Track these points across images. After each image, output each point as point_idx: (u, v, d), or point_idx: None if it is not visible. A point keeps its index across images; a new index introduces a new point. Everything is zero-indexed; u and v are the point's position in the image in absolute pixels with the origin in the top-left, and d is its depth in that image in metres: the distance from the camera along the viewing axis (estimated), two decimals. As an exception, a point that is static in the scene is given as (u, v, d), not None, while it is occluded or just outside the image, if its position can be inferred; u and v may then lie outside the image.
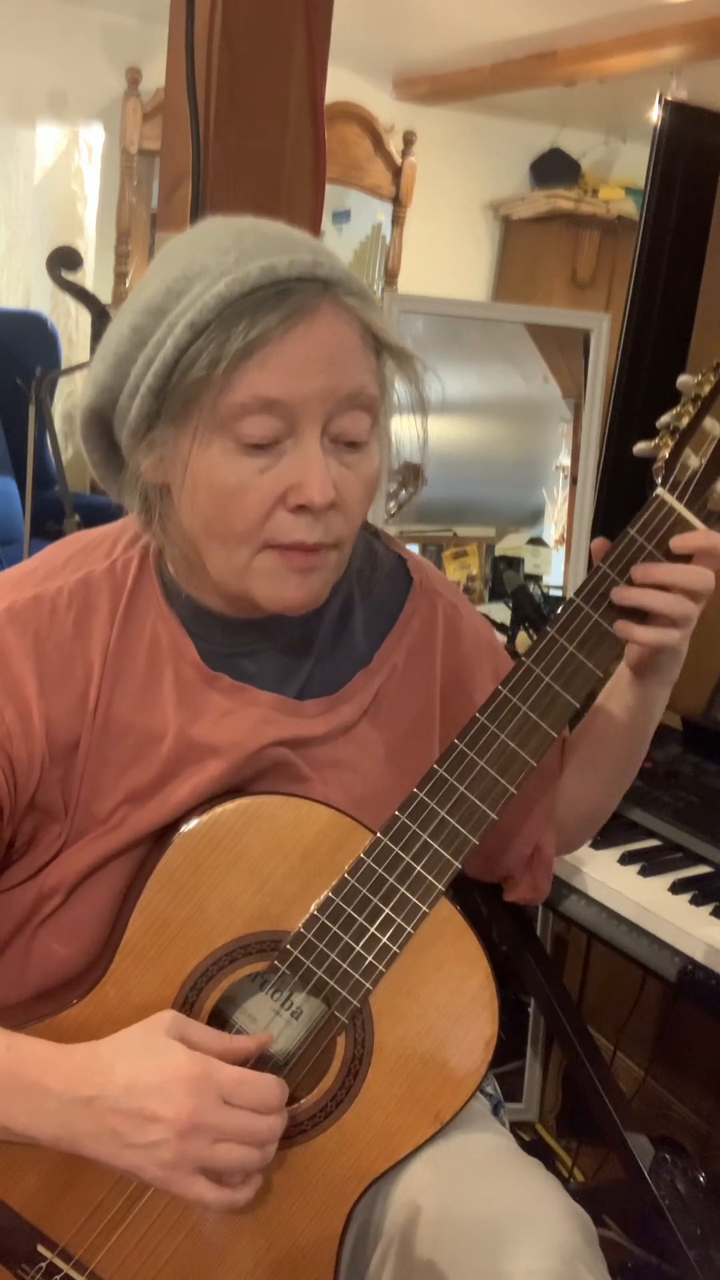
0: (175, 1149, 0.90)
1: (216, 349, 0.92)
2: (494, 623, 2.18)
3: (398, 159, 4.75)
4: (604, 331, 2.40)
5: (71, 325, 4.28)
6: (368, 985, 1.01)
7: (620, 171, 5.02)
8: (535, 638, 1.06)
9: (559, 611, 1.05)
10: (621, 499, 2.19)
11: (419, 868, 1.01)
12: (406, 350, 1.02)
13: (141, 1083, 0.91)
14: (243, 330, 0.92)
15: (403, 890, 1.01)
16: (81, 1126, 0.92)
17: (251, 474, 0.96)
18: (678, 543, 1.04)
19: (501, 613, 2.41)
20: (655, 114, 2.12)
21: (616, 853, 1.54)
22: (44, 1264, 1.01)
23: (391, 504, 2.03)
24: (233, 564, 1.00)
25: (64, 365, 3.95)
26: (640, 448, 1.09)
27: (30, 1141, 0.94)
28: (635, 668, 1.15)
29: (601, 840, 1.54)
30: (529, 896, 1.26)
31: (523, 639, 2.28)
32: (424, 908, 1.01)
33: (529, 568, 2.55)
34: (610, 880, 1.48)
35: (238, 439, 0.95)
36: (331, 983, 1.01)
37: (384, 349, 1.00)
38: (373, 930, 1.01)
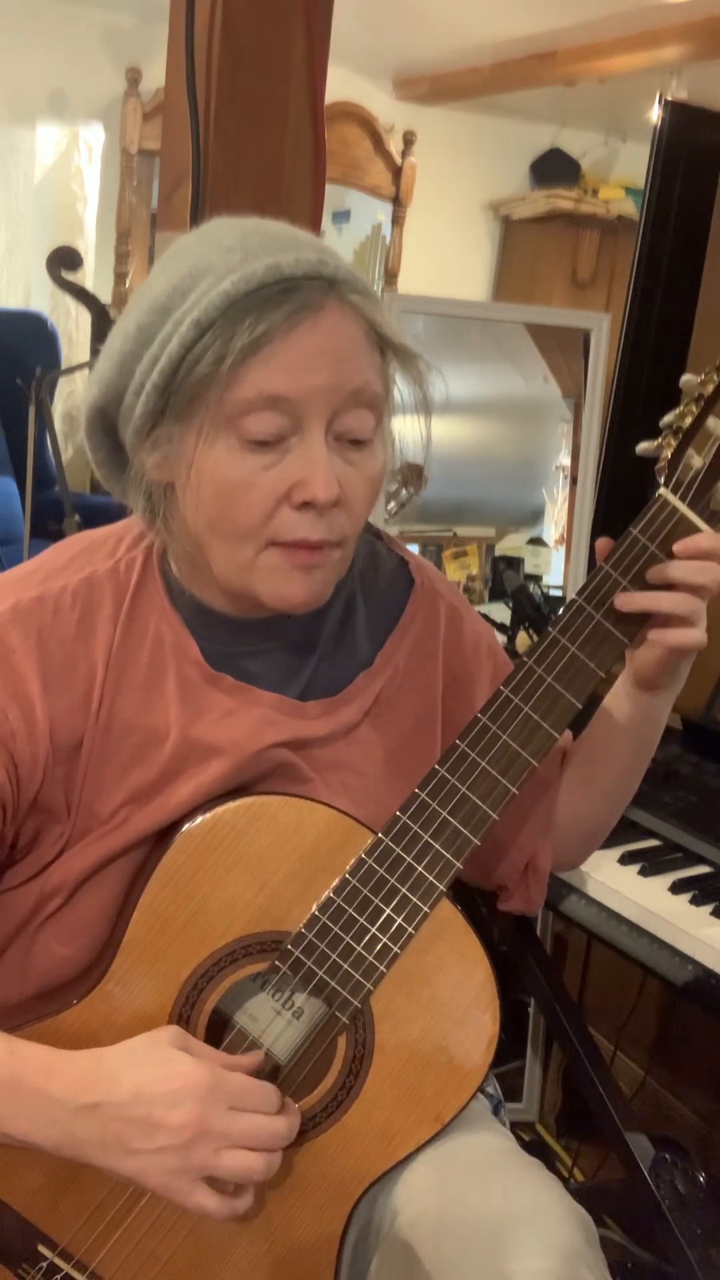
0: (181, 1155, 0.90)
1: (222, 346, 0.93)
2: (494, 623, 2.18)
3: (398, 159, 4.75)
4: (604, 331, 2.40)
5: (71, 325, 4.28)
6: (369, 986, 1.01)
7: (620, 171, 5.02)
8: (536, 638, 1.06)
9: (561, 612, 1.05)
10: (621, 499, 2.19)
11: (420, 868, 1.01)
12: (410, 349, 1.02)
13: (149, 1090, 0.91)
14: (248, 327, 0.92)
15: (404, 890, 1.01)
16: (86, 1133, 0.92)
17: (256, 471, 0.96)
18: (681, 547, 1.04)
19: (501, 613, 2.41)
20: (655, 114, 2.12)
21: (616, 853, 1.54)
22: (44, 1264, 1.01)
23: (392, 504, 2.03)
24: (237, 562, 1.00)
25: (64, 365, 3.95)
26: (643, 447, 1.08)
27: (33, 1148, 0.94)
28: (641, 679, 1.14)
29: (602, 840, 1.54)
30: (522, 908, 1.25)
31: (523, 639, 2.28)
32: (425, 908, 1.01)
33: (529, 568, 2.54)
34: (610, 880, 1.48)
35: (242, 436, 0.95)
36: (332, 983, 1.01)
37: (388, 348, 1.00)
38: (374, 930, 1.01)
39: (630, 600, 1.04)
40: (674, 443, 1.06)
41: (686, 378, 1.07)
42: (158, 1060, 0.93)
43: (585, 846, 1.30)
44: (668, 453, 1.06)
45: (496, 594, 2.51)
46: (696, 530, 1.05)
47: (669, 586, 1.05)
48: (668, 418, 1.07)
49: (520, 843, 1.22)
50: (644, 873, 1.50)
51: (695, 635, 1.06)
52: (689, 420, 1.06)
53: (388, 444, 1.04)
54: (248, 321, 0.92)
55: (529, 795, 1.18)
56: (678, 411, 1.07)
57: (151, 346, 0.96)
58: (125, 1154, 0.91)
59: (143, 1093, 0.91)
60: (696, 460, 1.05)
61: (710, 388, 1.05)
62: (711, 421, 1.05)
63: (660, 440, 1.07)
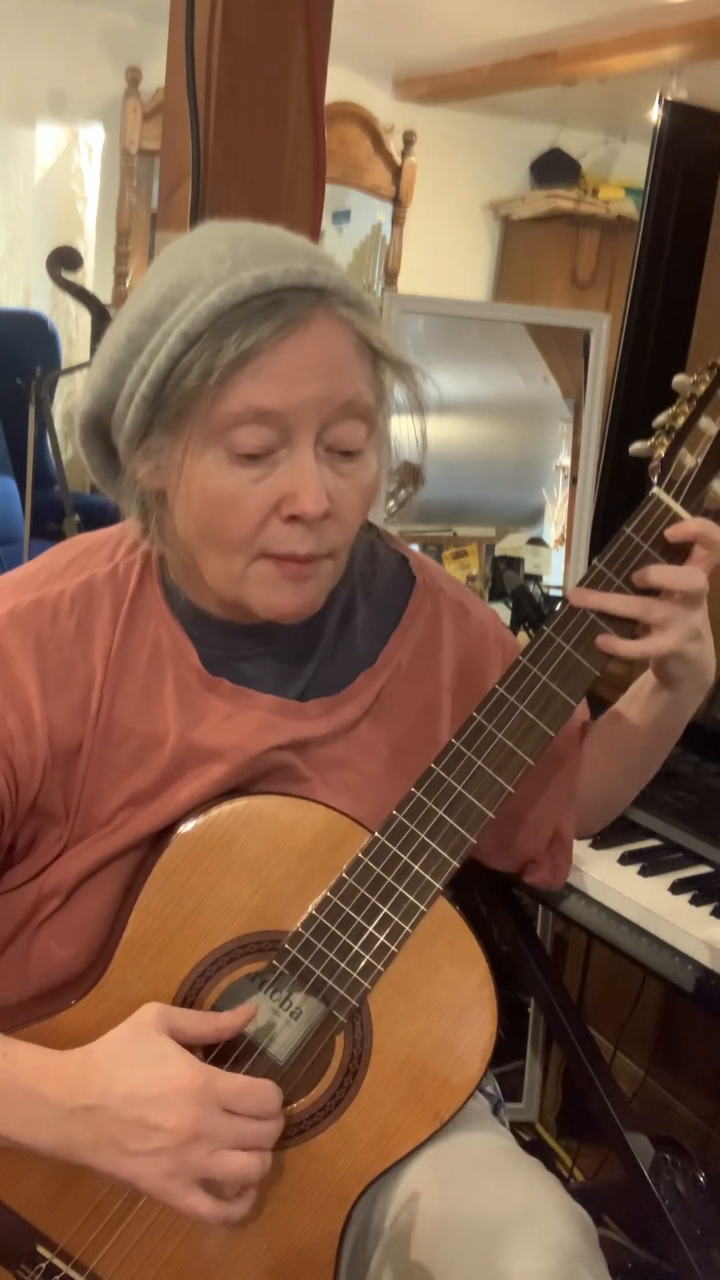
0: (175, 1158, 0.90)
1: (209, 359, 0.92)
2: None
3: (398, 159, 4.75)
4: (604, 331, 2.40)
5: (71, 325, 4.28)
6: (366, 985, 1.01)
7: (620, 171, 5.02)
8: (533, 637, 1.06)
9: (555, 610, 1.06)
10: (621, 499, 2.19)
11: (417, 867, 1.01)
12: (403, 360, 1.02)
13: (142, 1093, 0.91)
14: (235, 341, 0.92)
15: (401, 890, 1.01)
16: (80, 1135, 0.92)
17: (245, 484, 0.96)
18: (672, 533, 1.04)
19: (502, 613, 2.41)
20: (655, 114, 2.12)
21: (616, 853, 1.54)
22: (44, 1264, 1.01)
23: (391, 504, 2.04)
24: (228, 572, 1.00)
25: (64, 365, 3.95)
26: (636, 447, 1.09)
27: (28, 1150, 0.94)
28: (656, 674, 1.14)
29: (601, 840, 1.54)
30: (548, 879, 1.26)
31: (523, 639, 2.28)
32: (422, 907, 1.01)
33: (529, 568, 2.54)
34: (610, 880, 1.48)
35: (231, 449, 0.95)
36: (330, 982, 1.01)
37: (380, 357, 1.00)
38: (371, 930, 1.01)
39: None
40: (667, 443, 1.06)
41: (679, 378, 1.07)
42: (150, 1058, 0.93)
43: (604, 815, 1.31)
44: (661, 452, 1.06)
45: (496, 594, 2.51)
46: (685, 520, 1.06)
47: (655, 591, 1.04)
48: (661, 418, 1.07)
49: (546, 815, 1.23)
50: (644, 873, 1.50)
51: (663, 645, 1.05)
52: (682, 420, 1.06)
53: (383, 449, 1.03)
54: (235, 335, 0.92)
55: (549, 771, 1.19)
56: (671, 412, 1.07)
57: (140, 357, 0.96)
58: (120, 1156, 0.91)
59: (136, 1095, 0.91)
60: (689, 460, 1.05)
61: (703, 388, 1.05)
62: (704, 422, 1.06)
63: (653, 440, 1.07)
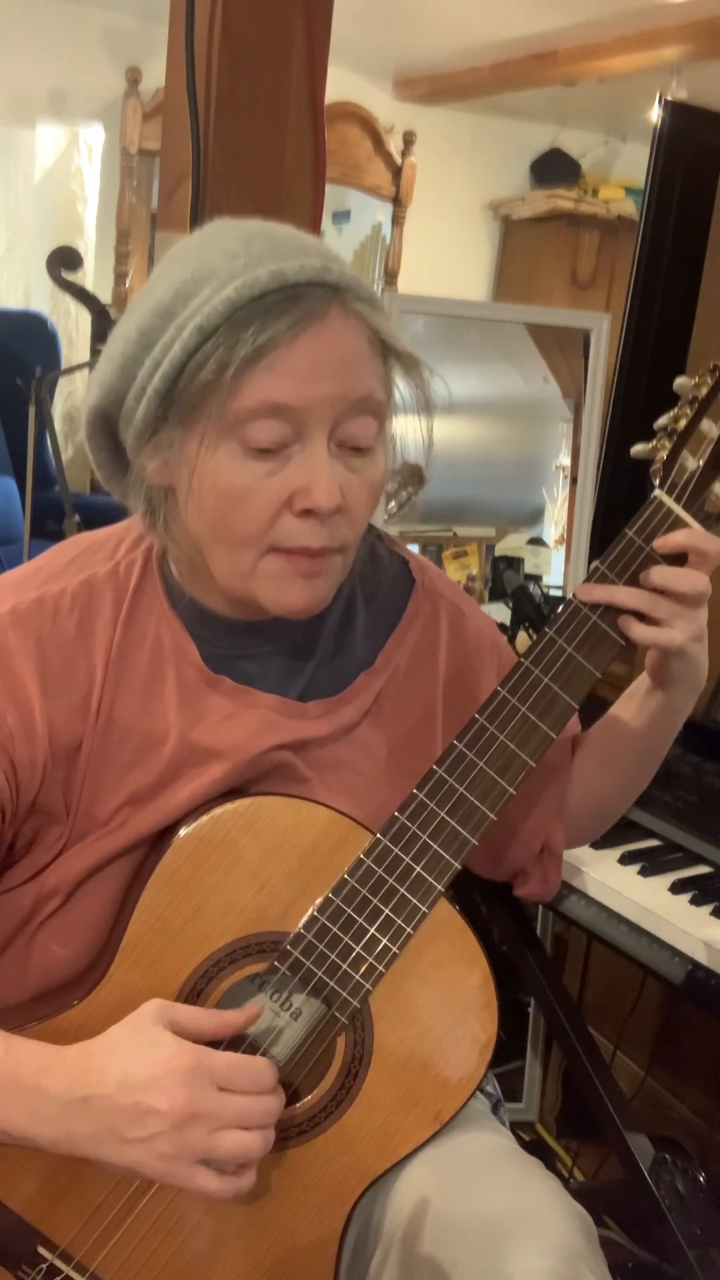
0: (174, 1140, 0.90)
1: (225, 353, 0.92)
2: (493, 623, 2.18)
3: (398, 159, 4.75)
4: (604, 331, 2.41)
5: (71, 325, 4.28)
6: (367, 986, 1.01)
7: (620, 171, 5.02)
8: (535, 638, 1.06)
9: (558, 612, 1.06)
10: (621, 499, 2.20)
11: (418, 868, 1.01)
12: (414, 356, 1.02)
13: (134, 1078, 0.91)
14: (251, 335, 0.92)
15: (402, 891, 1.01)
16: (79, 1128, 0.92)
17: (258, 478, 0.96)
18: (661, 543, 1.04)
19: (501, 613, 2.41)
20: (655, 114, 2.12)
21: (616, 853, 1.54)
22: (44, 1266, 1.01)
23: (392, 504, 2.04)
24: (238, 567, 1.00)
25: (64, 365, 3.95)
26: (638, 449, 1.09)
27: (29, 1144, 0.94)
28: (653, 673, 1.15)
29: (601, 840, 1.54)
30: (539, 891, 1.26)
31: (523, 639, 2.28)
32: (423, 908, 1.01)
33: (529, 568, 2.55)
34: (610, 880, 1.48)
35: (245, 443, 0.95)
36: (331, 983, 1.01)
37: (391, 354, 1.00)
38: (372, 931, 1.01)
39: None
40: (669, 445, 1.06)
41: (680, 380, 1.07)
42: (142, 1046, 0.93)
43: (598, 824, 1.31)
44: (663, 455, 1.06)
45: (496, 594, 2.51)
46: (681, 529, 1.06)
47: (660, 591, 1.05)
48: (662, 420, 1.07)
49: (535, 828, 1.23)
50: (644, 873, 1.50)
51: (671, 637, 1.05)
52: (683, 423, 1.06)
53: (389, 447, 1.04)
54: (251, 329, 0.92)
55: (539, 781, 1.18)
56: (672, 414, 1.07)
57: (153, 351, 0.96)
58: (120, 1144, 0.91)
59: (128, 1081, 0.91)
60: (691, 462, 1.05)
61: (704, 390, 1.05)
62: (706, 424, 1.05)
63: (655, 442, 1.07)
